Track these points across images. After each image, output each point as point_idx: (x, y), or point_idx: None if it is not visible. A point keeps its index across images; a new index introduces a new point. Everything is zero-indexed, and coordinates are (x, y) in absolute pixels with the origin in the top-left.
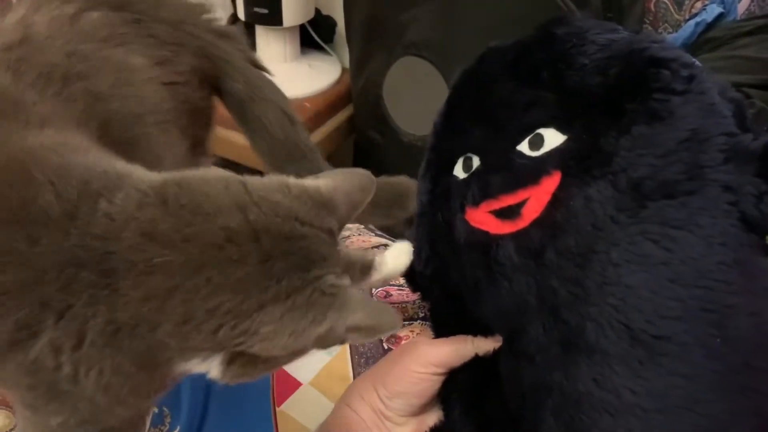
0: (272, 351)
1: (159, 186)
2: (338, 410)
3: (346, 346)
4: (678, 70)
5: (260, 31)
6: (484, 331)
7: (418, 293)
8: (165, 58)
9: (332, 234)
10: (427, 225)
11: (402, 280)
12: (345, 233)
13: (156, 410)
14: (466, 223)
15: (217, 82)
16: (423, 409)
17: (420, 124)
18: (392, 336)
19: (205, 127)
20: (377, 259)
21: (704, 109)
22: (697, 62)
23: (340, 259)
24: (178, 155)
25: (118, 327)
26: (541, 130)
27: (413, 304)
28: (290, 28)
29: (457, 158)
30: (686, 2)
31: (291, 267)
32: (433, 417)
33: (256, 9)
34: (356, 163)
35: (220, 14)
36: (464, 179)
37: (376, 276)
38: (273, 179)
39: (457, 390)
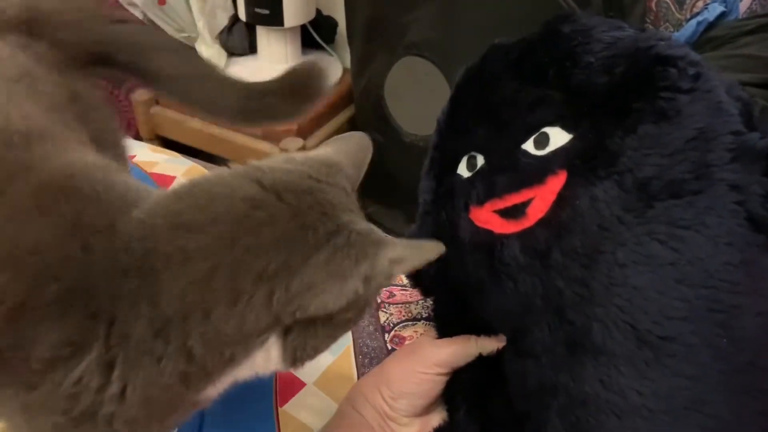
0: (327, 305)
1: (174, 189)
2: (342, 411)
3: (350, 347)
4: (685, 68)
5: (261, 32)
6: (488, 331)
7: (422, 293)
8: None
9: (347, 191)
10: (430, 224)
11: (405, 280)
12: None
13: None
14: (471, 222)
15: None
16: (427, 410)
17: (421, 124)
18: (396, 336)
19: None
20: None
21: (711, 108)
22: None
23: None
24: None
25: (167, 321)
26: (547, 129)
27: (417, 305)
28: (291, 29)
29: (461, 157)
30: (687, 1)
31: (321, 216)
32: (437, 417)
33: (257, 9)
34: None
35: (221, 15)
36: (468, 178)
37: None
38: (276, 156)
39: (461, 390)
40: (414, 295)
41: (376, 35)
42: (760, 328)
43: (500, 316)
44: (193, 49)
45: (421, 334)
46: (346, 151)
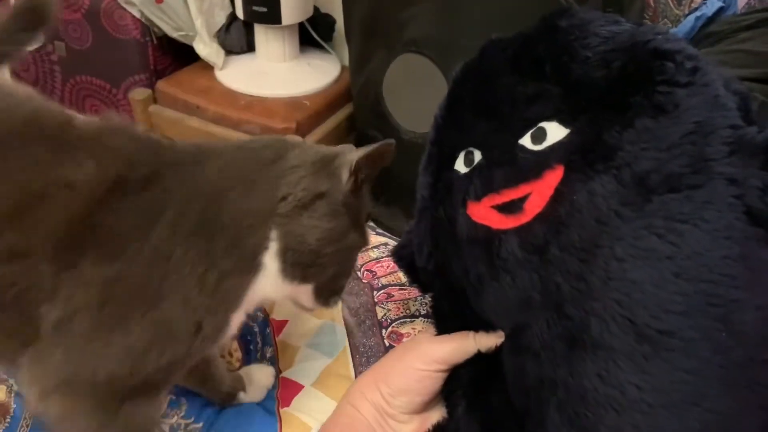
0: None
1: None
2: (341, 408)
3: (347, 347)
4: (682, 62)
5: (259, 30)
6: (487, 328)
7: (420, 290)
8: None
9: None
10: (428, 220)
11: (404, 279)
12: None
13: (173, 397)
14: (468, 218)
15: None
16: (426, 407)
17: (420, 121)
18: (393, 333)
19: None
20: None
21: (709, 102)
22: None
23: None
24: None
25: (206, 200)
26: (544, 124)
27: (415, 301)
28: (289, 27)
29: (459, 152)
30: None
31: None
32: (437, 414)
33: (255, 8)
34: None
35: (219, 14)
36: (466, 174)
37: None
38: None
39: (460, 387)
40: (412, 293)
41: (374, 32)
42: (760, 321)
43: (498, 312)
44: None
45: (419, 331)
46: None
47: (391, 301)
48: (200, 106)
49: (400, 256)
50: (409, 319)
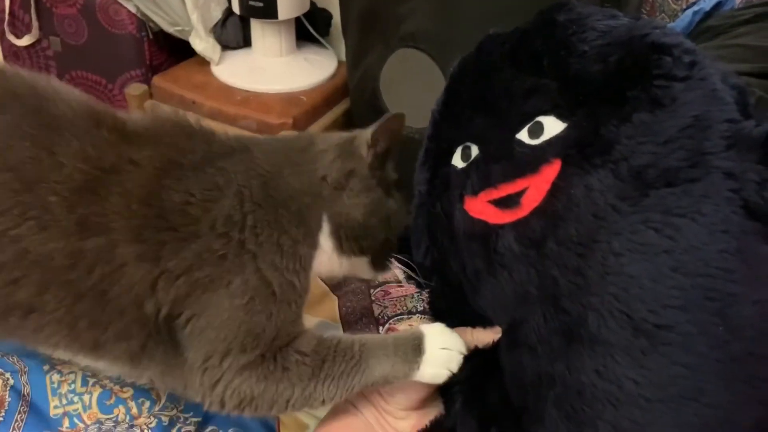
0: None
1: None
2: (338, 406)
3: None
4: (680, 56)
5: (255, 25)
6: (484, 323)
7: (417, 285)
8: None
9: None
10: (425, 215)
11: (401, 277)
12: None
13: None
14: (465, 213)
15: None
16: (423, 403)
17: (417, 116)
18: (390, 329)
19: None
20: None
21: (706, 96)
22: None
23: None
24: None
25: (264, 178)
26: (541, 118)
27: (412, 298)
28: (286, 22)
29: (456, 147)
30: None
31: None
32: (434, 410)
33: (251, 2)
34: None
35: (215, 9)
36: (463, 169)
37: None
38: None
39: (457, 383)
40: (409, 290)
41: (371, 27)
42: (757, 316)
43: (496, 307)
44: None
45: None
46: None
47: (387, 299)
48: (196, 102)
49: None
50: (406, 316)
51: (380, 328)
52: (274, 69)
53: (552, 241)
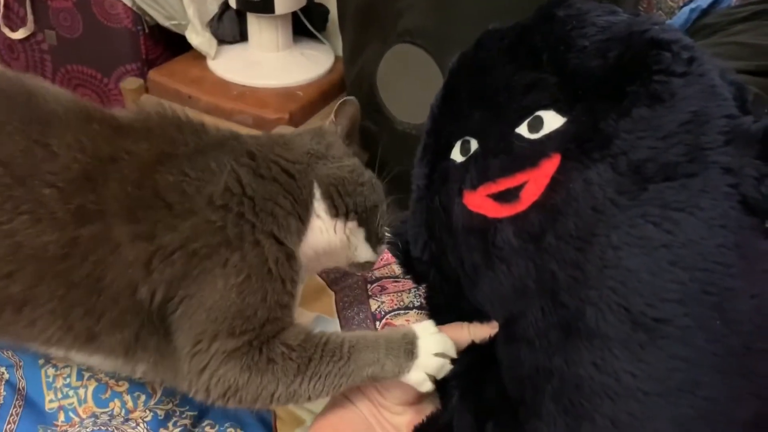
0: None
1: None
2: (335, 400)
3: None
4: (679, 52)
5: (252, 20)
6: (481, 318)
7: (414, 280)
8: None
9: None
10: (424, 210)
11: (398, 271)
12: None
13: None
14: (464, 207)
15: None
16: (420, 398)
17: (414, 112)
18: (387, 324)
19: None
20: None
21: (705, 91)
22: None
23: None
24: None
25: (256, 156)
26: (540, 113)
27: (409, 293)
28: (282, 16)
29: (455, 142)
30: None
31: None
32: (431, 405)
33: None
34: None
35: (212, 3)
36: (462, 163)
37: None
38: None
39: (454, 377)
40: (407, 285)
41: (368, 22)
42: (755, 310)
43: (494, 301)
44: None
45: (412, 322)
46: None
47: (384, 294)
48: (192, 96)
49: (394, 247)
50: (402, 311)
51: (377, 323)
52: (270, 64)
53: (551, 235)
